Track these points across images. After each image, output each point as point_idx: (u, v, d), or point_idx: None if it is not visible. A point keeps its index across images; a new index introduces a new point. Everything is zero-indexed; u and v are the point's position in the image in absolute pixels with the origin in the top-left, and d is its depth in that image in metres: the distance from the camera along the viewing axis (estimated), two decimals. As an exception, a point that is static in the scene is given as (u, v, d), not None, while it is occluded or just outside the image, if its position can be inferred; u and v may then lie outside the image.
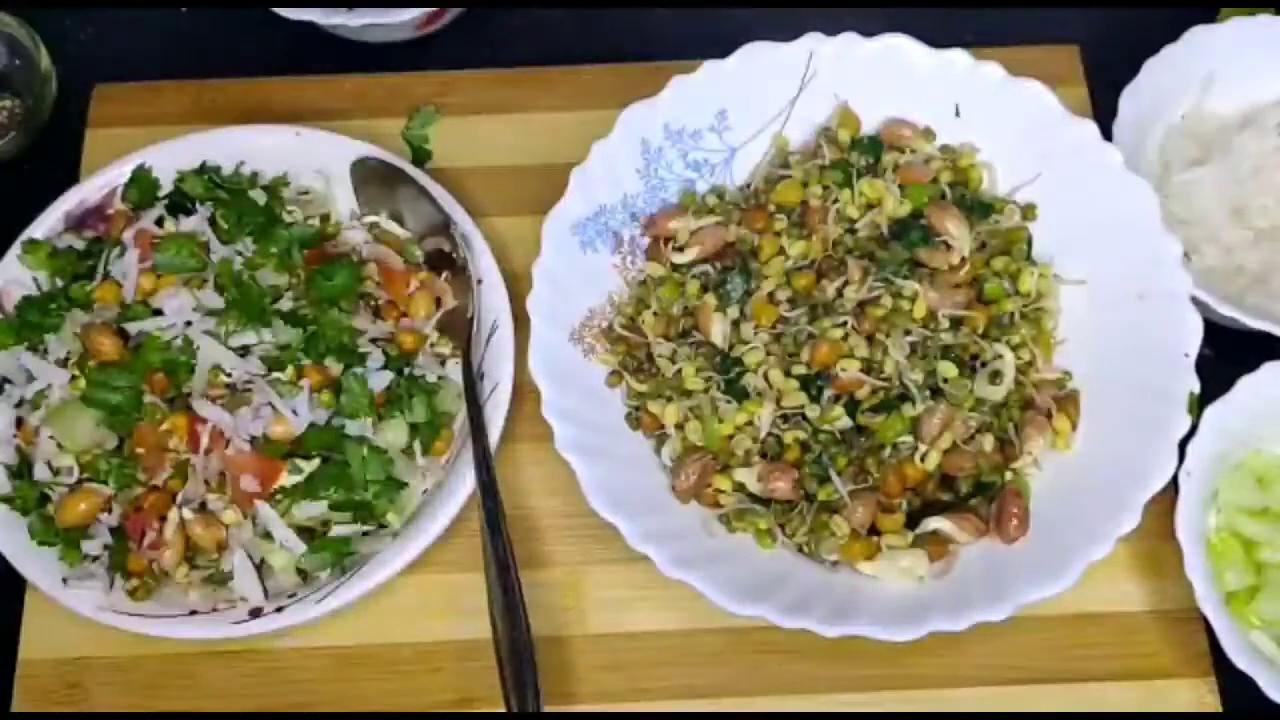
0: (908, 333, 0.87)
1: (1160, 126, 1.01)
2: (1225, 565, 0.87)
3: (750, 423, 0.87)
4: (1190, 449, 0.85)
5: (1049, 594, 0.80)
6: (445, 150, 1.05)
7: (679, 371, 0.89)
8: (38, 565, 0.85)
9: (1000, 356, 0.87)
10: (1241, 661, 0.80)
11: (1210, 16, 1.04)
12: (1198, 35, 0.99)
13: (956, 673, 0.87)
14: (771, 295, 0.90)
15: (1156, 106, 0.99)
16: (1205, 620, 0.83)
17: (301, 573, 0.87)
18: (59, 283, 0.93)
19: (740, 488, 0.87)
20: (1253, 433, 0.89)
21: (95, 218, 0.97)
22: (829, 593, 0.83)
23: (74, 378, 0.89)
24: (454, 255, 0.94)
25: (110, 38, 1.13)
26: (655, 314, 0.91)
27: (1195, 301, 0.87)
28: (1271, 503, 0.88)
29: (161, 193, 0.97)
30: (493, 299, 0.93)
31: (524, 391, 0.90)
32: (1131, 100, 0.97)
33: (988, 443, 0.86)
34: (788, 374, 0.87)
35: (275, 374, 0.88)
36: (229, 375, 0.87)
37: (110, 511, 0.86)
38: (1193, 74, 1.00)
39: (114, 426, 0.87)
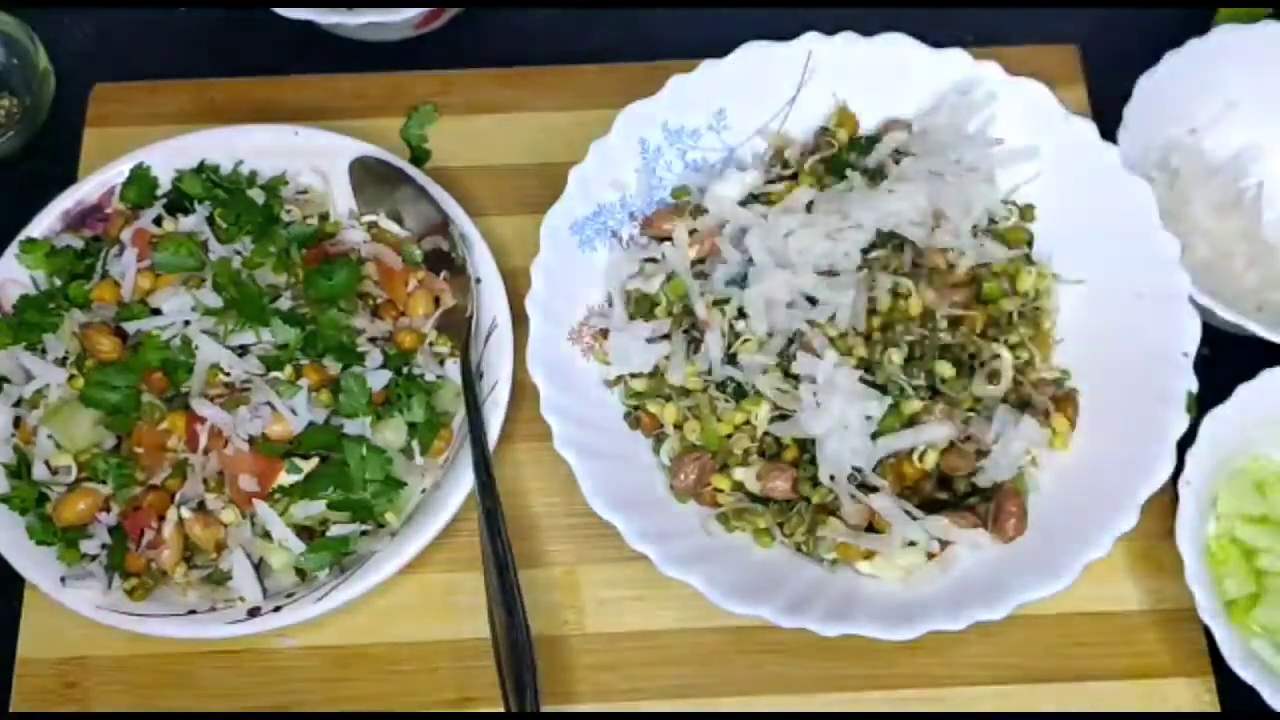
0: (906, 332, 0.87)
1: (1167, 132, 1.01)
2: (1225, 573, 0.87)
3: (748, 422, 0.87)
4: (1189, 457, 0.85)
5: (1047, 593, 0.80)
6: (444, 149, 1.05)
7: (677, 371, 0.89)
8: (36, 564, 0.85)
9: (998, 356, 0.87)
10: (1243, 670, 0.80)
11: (1208, 17, 1.04)
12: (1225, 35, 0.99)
13: (955, 672, 0.87)
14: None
15: (1171, 106, 0.99)
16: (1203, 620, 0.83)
17: (300, 572, 0.87)
18: (57, 282, 0.93)
19: (739, 487, 0.87)
20: (1251, 440, 0.89)
21: (94, 217, 0.97)
22: (827, 592, 0.83)
23: (72, 377, 0.89)
24: (452, 254, 0.94)
25: (109, 37, 1.13)
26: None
27: (1195, 304, 0.87)
28: (1271, 510, 0.88)
29: (160, 192, 0.97)
30: (491, 298, 0.93)
31: (523, 390, 0.90)
32: (1146, 87, 0.97)
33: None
34: (786, 373, 0.87)
35: (274, 373, 0.88)
36: (228, 375, 0.88)
37: (109, 511, 0.86)
38: (1210, 84, 1.00)
39: (112, 426, 0.87)
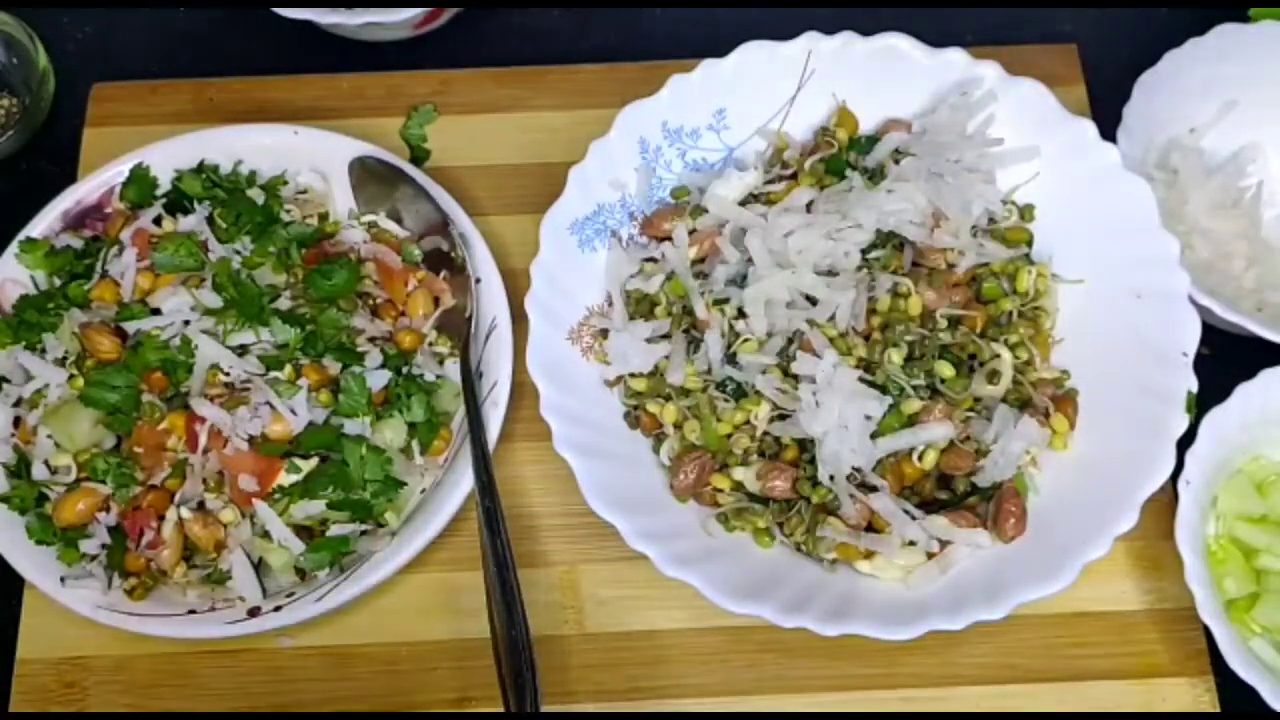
0: (906, 332, 0.87)
1: (1167, 132, 1.01)
2: (1225, 572, 0.87)
3: (748, 422, 0.87)
4: (1189, 456, 0.85)
5: (1046, 593, 0.80)
6: (443, 149, 1.05)
7: (677, 371, 0.89)
8: (36, 564, 0.85)
9: (998, 356, 0.87)
10: (1242, 669, 0.80)
11: (1206, 18, 1.04)
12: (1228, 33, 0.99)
13: (954, 672, 0.87)
14: (770, 294, 0.90)
15: (1171, 106, 0.99)
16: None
17: (300, 572, 0.87)
18: (57, 282, 0.93)
19: (738, 486, 0.87)
20: (1251, 439, 0.89)
21: (93, 216, 0.97)
22: (827, 592, 0.83)
23: (72, 377, 0.89)
24: (452, 254, 0.94)
25: (108, 36, 1.13)
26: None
27: (1195, 304, 0.87)
28: (1270, 510, 0.88)
29: (159, 192, 0.97)
30: (491, 298, 0.93)
31: (522, 390, 0.90)
32: (1146, 87, 0.97)
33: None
34: (785, 373, 0.87)
35: (273, 373, 0.88)
36: (227, 374, 0.87)
37: (108, 511, 0.86)
38: (1210, 84, 1.00)
39: (112, 426, 0.87)
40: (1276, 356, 0.89)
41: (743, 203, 0.94)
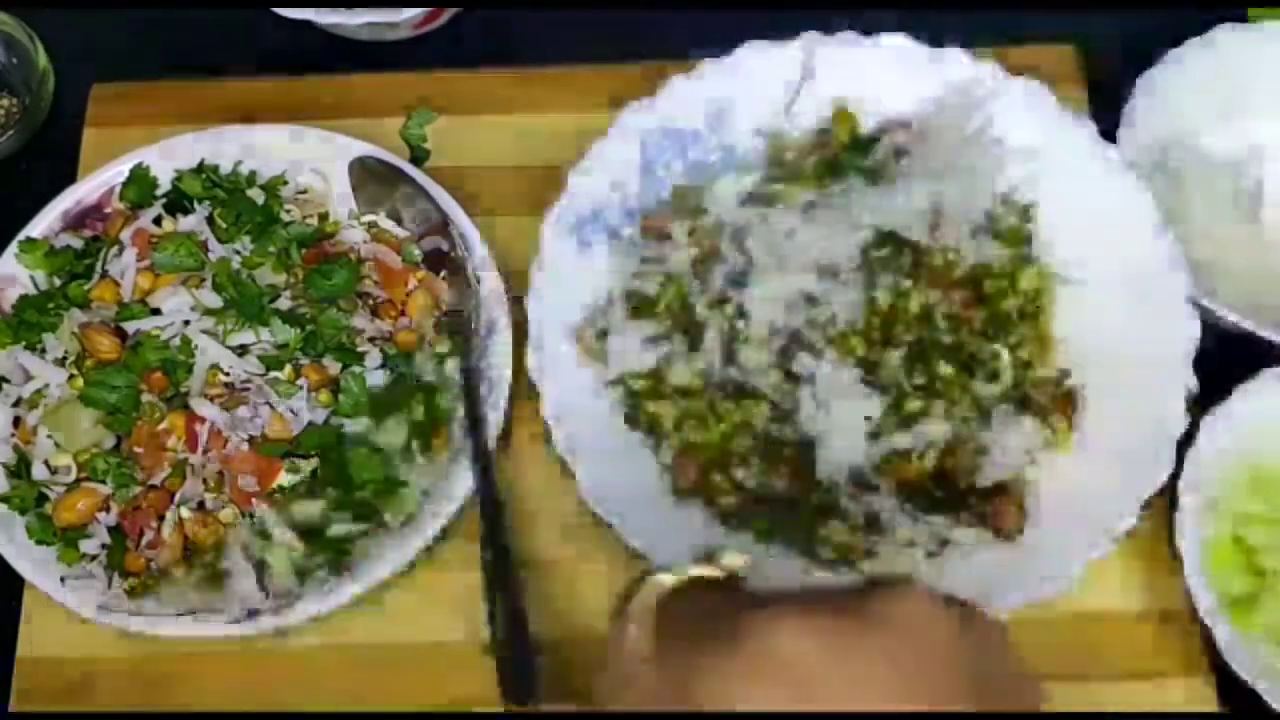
0: (906, 332, 0.87)
1: (1167, 132, 1.01)
2: (1225, 572, 0.87)
3: (748, 422, 0.87)
4: (1189, 456, 0.85)
5: (1047, 594, 0.80)
6: (443, 149, 1.05)
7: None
8: (36, 564, 0.85)
9: (998, 356, 0.88)
10: (1244, 670, 0.80)
11: (1206, 18, 1.04)
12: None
13: (955, 672, 0.87)
14: (770, 294, 0.90)
15: (1171, 106, 0.99)
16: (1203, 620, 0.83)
17: (300, 572, 0.87)
18: (57, 282, 0.93)
19: (739, 486, 0.87)
20: (1252, 439, 0.89)
21: (93, 216, 0.97)
22: (827, 592, 0.83)
23: (72, 377, 0.89)
24: (452, 254, 0.94)
25: (109, 37, 1.13)
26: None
27: (1195, 305, 0.87)
28: (1271, 510, 0.88)
29: (159, 192, 0.97)
30: (491, 298, 0.93)
31: (522, 391, 0.90)
32: (1146, 87, 0.97)
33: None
34: (786, 373, 0.87)
35: (273, 373, 0.88)
36: (227, 374, 0.88)
37: (108, 511, 0.86)
38: (1210, 84, 1.00)
39: (112, 426, 0.87)
40: (1277, 357, 0.89)
41: (743, 203, 0.94)
